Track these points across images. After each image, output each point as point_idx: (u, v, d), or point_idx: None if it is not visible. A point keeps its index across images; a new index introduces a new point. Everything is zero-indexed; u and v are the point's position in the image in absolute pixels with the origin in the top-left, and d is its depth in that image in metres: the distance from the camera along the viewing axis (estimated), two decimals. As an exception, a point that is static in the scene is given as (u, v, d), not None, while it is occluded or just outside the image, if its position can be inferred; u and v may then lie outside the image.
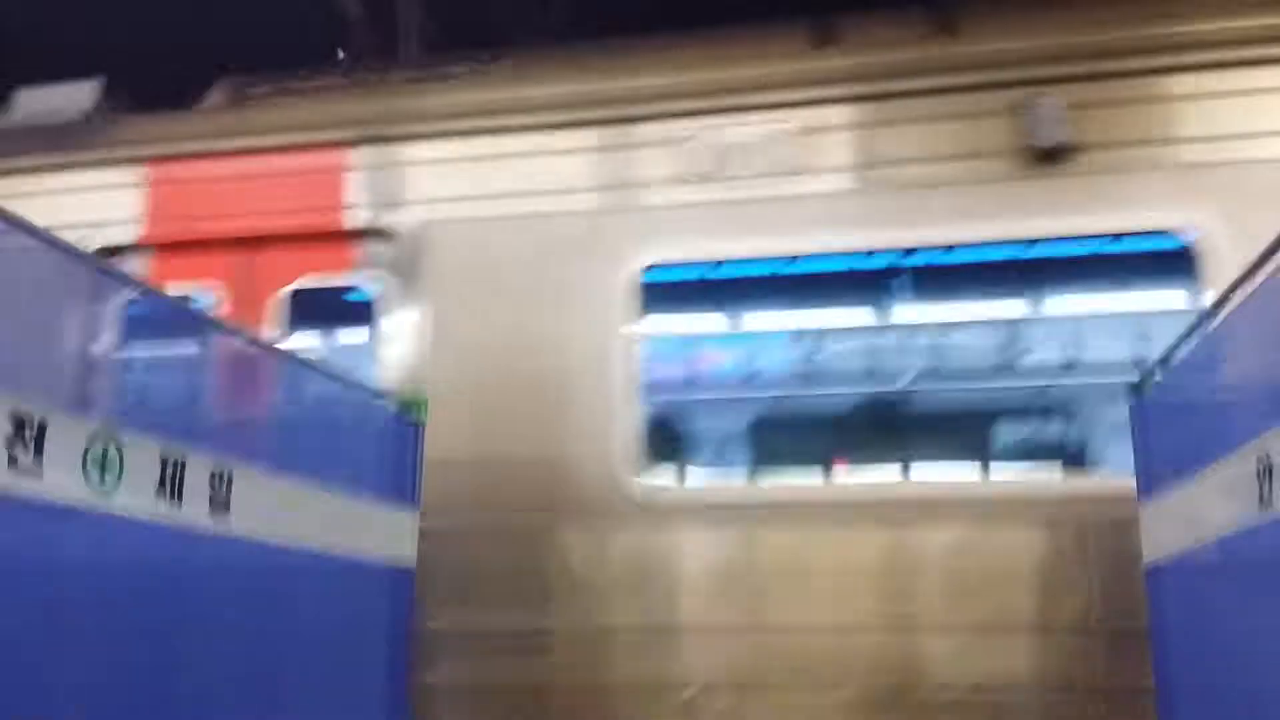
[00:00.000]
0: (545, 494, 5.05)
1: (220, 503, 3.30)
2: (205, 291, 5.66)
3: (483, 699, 4.96)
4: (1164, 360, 4.03)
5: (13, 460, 2.52)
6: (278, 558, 3.63)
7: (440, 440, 4.80)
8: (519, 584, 4.99)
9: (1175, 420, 3.95)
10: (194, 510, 3.18)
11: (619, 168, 5.42)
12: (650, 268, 5.29)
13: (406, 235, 5.53)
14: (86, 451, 2.75)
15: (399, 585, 4.45)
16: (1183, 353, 3.86)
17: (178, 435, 3.14)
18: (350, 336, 6.10)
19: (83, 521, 2.79)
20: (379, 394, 4.65)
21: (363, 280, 5.66)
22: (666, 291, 5.48)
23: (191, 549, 3.24)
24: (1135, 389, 4.24)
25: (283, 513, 3.64)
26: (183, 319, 3.44)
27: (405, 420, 4.64)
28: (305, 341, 5.95)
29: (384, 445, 4.52)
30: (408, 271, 5.50)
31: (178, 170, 5.90)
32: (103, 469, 2.80)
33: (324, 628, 4.02)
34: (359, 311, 5.74)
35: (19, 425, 2.54)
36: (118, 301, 3.22)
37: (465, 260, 5.47)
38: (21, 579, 2.61)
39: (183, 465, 3.11)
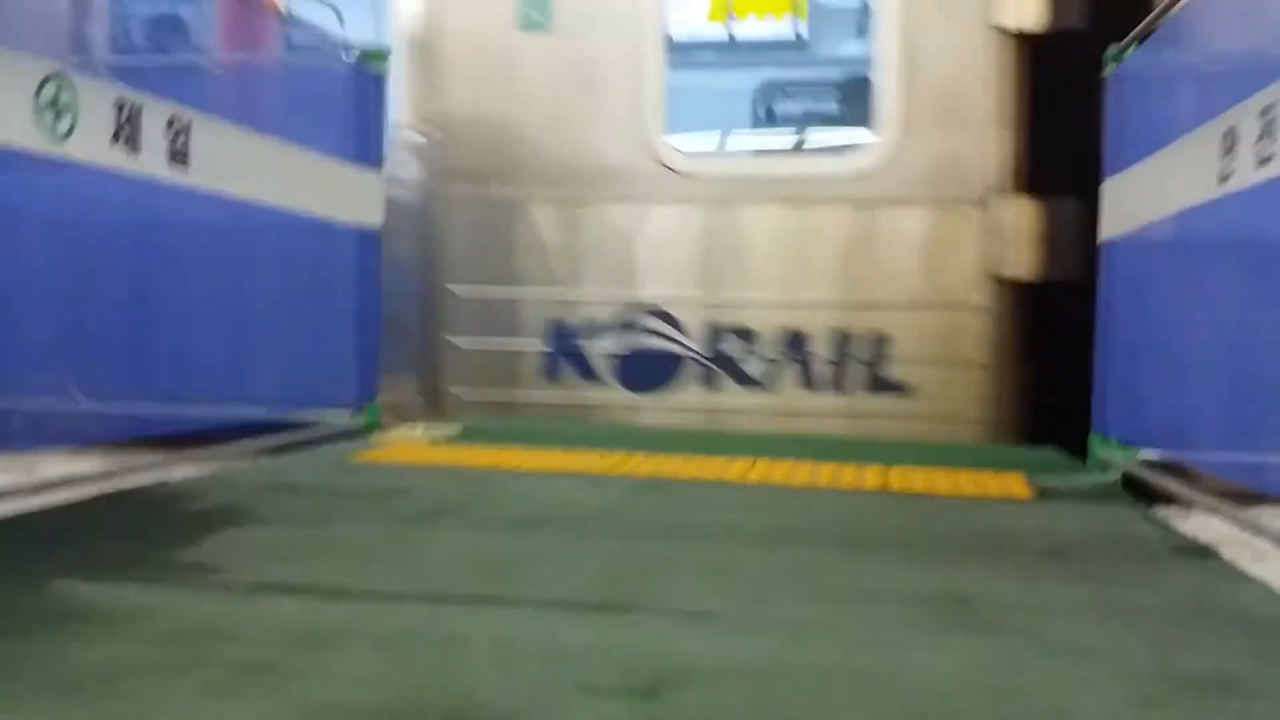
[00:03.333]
0: None
1: (179, 153, 3.23)
2: None
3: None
4: (1138, 36, 3.92)
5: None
6: (240, 212, 3.61)
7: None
8: None
9: (1144, 97, 3.91)
10: (151, 159, 3.11)
11: None
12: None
13: None
14: (38, 92, 2.65)
15: (366, 244, 4.45)
16: (1156, 28, 3.74)
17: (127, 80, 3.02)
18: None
19: (39, 169, 2.75)
20: (336, 43, 4.44)
21: None
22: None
23: (153, 200, 3.22)
24: (1109, 63, 4.14)
25: (243, 166, 3.58)
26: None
27: (366, 74, 4.46)
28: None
29: (345, 101, 4.38)
30: None
31: None
32: (56, 112, 2.72)
33: (292, 282, 4.06)
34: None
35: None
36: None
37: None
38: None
39: (139, 110, 3.02)
